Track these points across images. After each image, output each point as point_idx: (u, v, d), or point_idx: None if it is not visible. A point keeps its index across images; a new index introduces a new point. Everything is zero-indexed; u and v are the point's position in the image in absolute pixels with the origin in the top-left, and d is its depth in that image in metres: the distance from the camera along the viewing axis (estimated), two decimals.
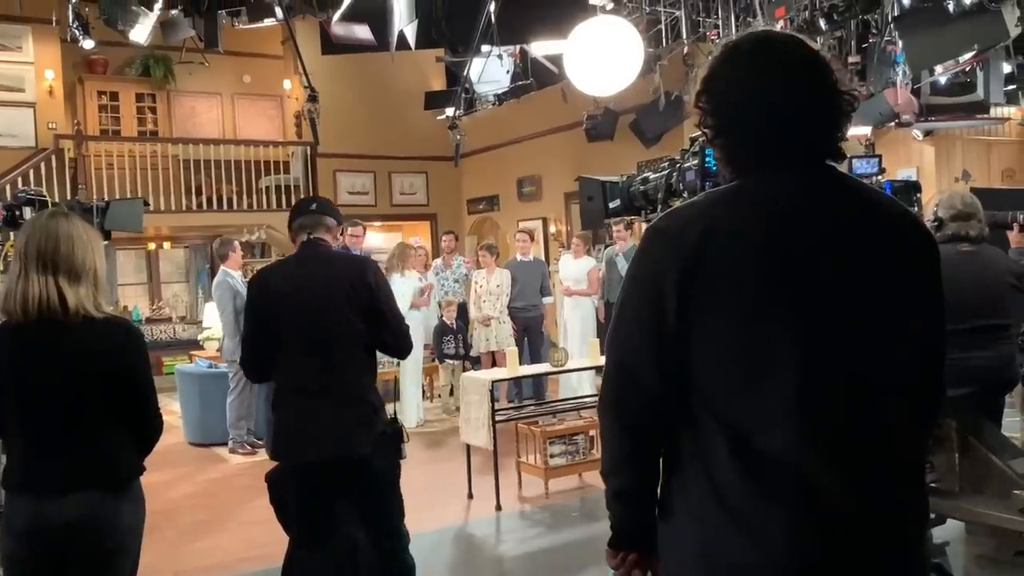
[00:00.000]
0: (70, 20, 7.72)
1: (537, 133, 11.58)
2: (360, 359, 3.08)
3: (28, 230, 2.35)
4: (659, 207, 3.92)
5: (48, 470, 2.29)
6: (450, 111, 9.71)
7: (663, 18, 8.03)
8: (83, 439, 2.31)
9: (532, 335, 8.45)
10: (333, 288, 3.03)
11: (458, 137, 9.44)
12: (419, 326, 7.97)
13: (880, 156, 4.73)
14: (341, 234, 3.37)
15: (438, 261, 9.28)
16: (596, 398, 5.25)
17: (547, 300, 8.63)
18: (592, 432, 5.73)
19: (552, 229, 11.72)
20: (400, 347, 3.20)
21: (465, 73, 9.26)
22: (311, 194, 12.61)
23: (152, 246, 13.32)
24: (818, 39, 6.68)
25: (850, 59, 7.28)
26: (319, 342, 3.01)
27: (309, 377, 3.02)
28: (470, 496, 5.50)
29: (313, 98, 7.48)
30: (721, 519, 1.34)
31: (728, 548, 1.34)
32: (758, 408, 1.34)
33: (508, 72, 10.16)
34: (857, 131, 7.48)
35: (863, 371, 1.35)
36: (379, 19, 7.59)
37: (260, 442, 7.19)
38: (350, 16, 7.72)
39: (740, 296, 1.35)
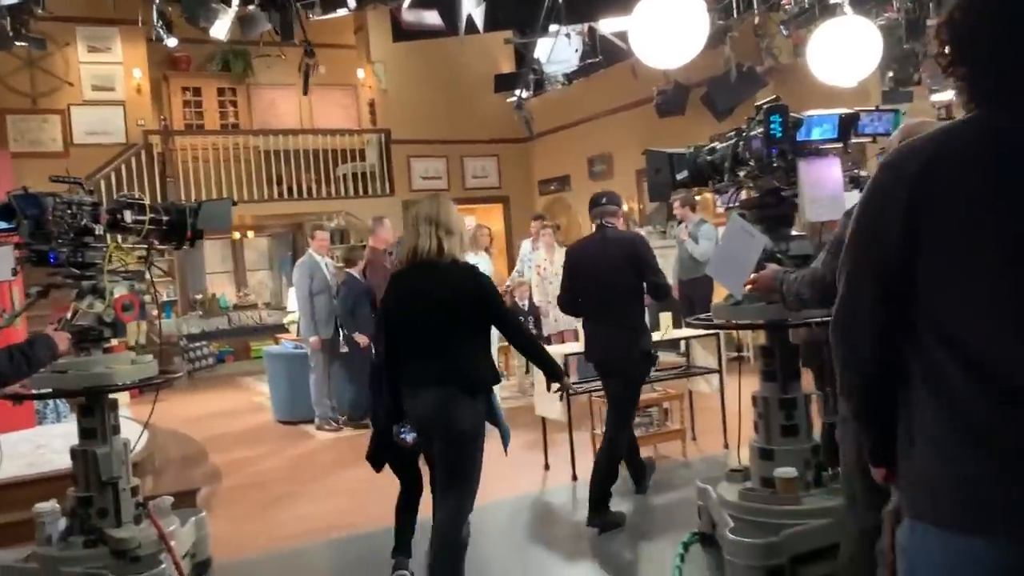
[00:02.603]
0: (155, 20, 8.07)
1: (607, 111, 11.57)
2: (633, 303, 4.59)
3: (417, 206, 3.49)
4: (726, 176, 3.95)
5: (425, 372, 3.29)
6: (519, 93, 9.78)
7: None
8: (450, 350, 3.29)
9: None
10: (614, 256, 4.53)
11: (524, 115, 9.51)
12: None
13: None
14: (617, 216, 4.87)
15: (527, 244, 9.29)
16: (666, 372, 5.42)
17: None
18: (666, 404, 5.78)
19: (624, 207, 11.70)
20: (661, 294, 4.65)
21: (533, 54, 9.31)
22: (386, 180, 12.92)
23: (236, 236, 13.81)
24: None
25: None
26: (607, 292, 4.55)
27: (596, 314, 4.67)
28: (546, 467, 5.63)
29: (310, 53, 7.71)
30: (958, 437, 1.39)
31: (965, 461, 1.39)
32: (984, 335, 1.38)
33: (577, 51, 10.14)
34: None
35: None
36: (448, 4, 7.72)
37: (344, 419, 7.46)
38: (419, 3, 7.86)
39: (963, 224, 1.39)
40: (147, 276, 4.03)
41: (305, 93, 8.11)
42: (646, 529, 4.48)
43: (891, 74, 7.94)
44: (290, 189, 12.43)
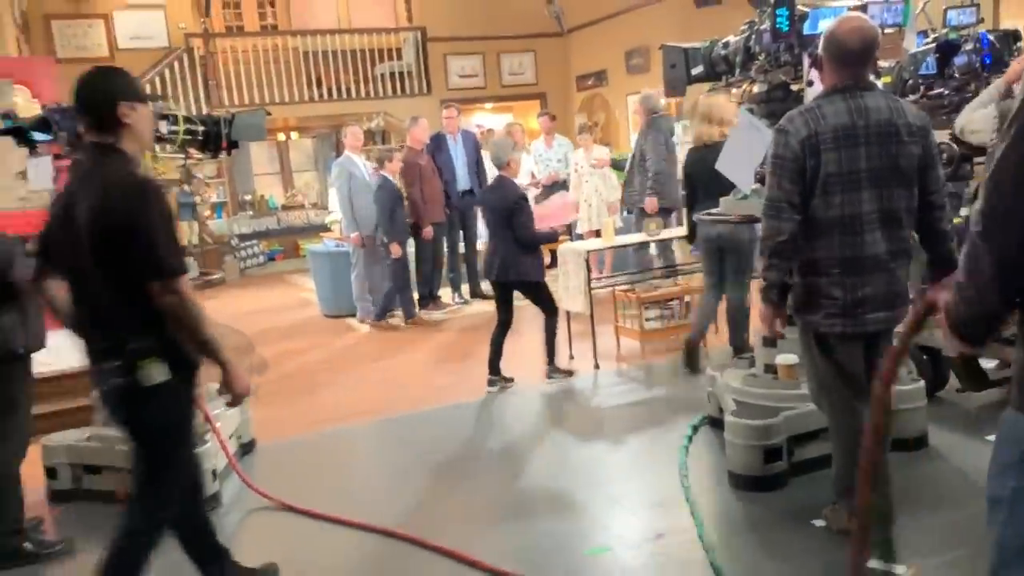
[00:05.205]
0: None
1: (645, 2, 11.29)
2: None
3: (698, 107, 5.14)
4: (737, 71, 3.99)
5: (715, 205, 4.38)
6: None
7: None
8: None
9: None
10: None
11: (555, 11, 9.38)
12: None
13: (979, 5, 4.54)
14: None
15: (538, 143, 9.37)
16: (689, 266, 5.63)
17: None
18: (687, 298, 5.94)
19: (663, 102, 11.55)
20: None
21: None
22: (424, 79, 12.90)
23: (282, 137, 14.03)
24: None
25: None
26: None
27: None
28: (571, 357, 5.88)
29: None
30: None
31: None
32: None
33: None
34: None
35: None
36: None
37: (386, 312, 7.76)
38: None
39: None
40: (195, 180, 4.23)
41: None
42: (662, 414, 4.71)
43: None
44: (330, 90, 12.52)
